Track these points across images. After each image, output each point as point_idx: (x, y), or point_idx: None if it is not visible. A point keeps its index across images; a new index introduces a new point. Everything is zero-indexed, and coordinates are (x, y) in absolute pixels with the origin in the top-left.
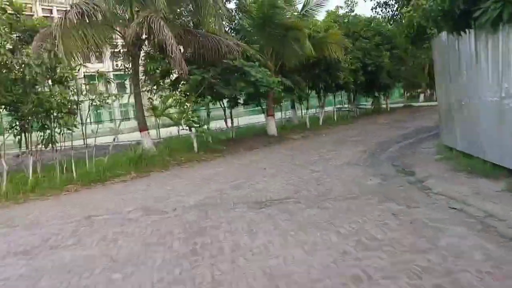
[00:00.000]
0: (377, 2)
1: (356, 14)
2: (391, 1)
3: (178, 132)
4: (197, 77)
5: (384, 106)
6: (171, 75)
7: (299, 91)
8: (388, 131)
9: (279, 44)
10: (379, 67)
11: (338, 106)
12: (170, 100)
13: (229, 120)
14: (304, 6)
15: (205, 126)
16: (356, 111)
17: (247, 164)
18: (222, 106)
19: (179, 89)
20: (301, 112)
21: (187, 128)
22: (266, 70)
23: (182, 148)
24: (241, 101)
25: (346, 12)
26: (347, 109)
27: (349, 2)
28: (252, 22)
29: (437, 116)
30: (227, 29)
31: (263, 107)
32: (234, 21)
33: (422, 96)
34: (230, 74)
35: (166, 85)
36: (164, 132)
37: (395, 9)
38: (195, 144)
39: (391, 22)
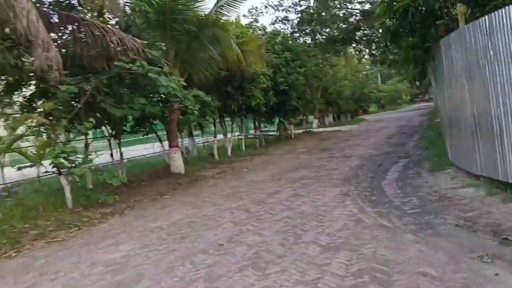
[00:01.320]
0: (276, 16)
1: (262, 25)
2: (293, 15)
3: (38, 175)
4: (72, 89)
5: (288, 132)
6: (26, 86)
7: (211, 113)
8: (331, 163)
9: (186, 47)
10: (291, 86)
11: (244, 133)
12: (23, 127)
13: (116, 153)
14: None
15: (85, 165)
16: (263, 139)
17: (172, 232)
18: (107, 133)
19: (39, 109)
20: (203, 140)
21: (55, 169)
22: (178, 79)
23: (47, 204)
24: (127, 127)
25: (251, 22)
26: (255, 136)
27: (254, 11)
28: (151, 16)
29: (362, 141)
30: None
31: (157, 133)
32: (124, 15)
33: (316, 121)
34: (123, 85)
35: (17, 102)
36: (13, 175)
37: (295, 24)
38: (68, 195)
39: (291, 39)
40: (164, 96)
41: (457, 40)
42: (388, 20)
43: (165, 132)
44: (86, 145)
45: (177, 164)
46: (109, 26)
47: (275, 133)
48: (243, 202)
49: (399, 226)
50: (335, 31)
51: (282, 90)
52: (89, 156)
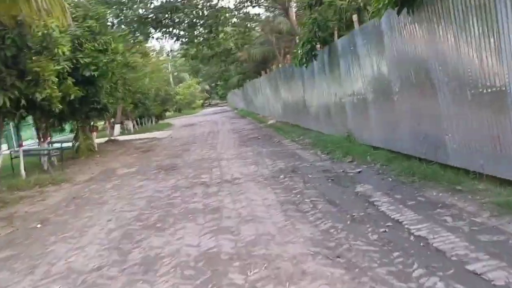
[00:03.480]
0: None
1: None
2: None
3: None
4: None
5: (91, 142)
6: None
7: None
8: (235, 202)
9: None
10: (103, 72)
11: (26, 146)
12: None
13: None
14: None
15: None
16: (56, 156)
17: None
18: None
19: None
20: None
21: None
22: None
23: None
24: None
25: None
26: (43, 151)
27: None
28: None
29: (214, 153)
30: None
31: None
32: None
33: (118, 127)
34: None
35: None
36: None
37: None
38: None
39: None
40: None
41: None
42: None
43: None
44: None
45: None
46: None
47: (71, 144)
48: None
49: None
50: (146, 7)
51: (87, 78)
52: None
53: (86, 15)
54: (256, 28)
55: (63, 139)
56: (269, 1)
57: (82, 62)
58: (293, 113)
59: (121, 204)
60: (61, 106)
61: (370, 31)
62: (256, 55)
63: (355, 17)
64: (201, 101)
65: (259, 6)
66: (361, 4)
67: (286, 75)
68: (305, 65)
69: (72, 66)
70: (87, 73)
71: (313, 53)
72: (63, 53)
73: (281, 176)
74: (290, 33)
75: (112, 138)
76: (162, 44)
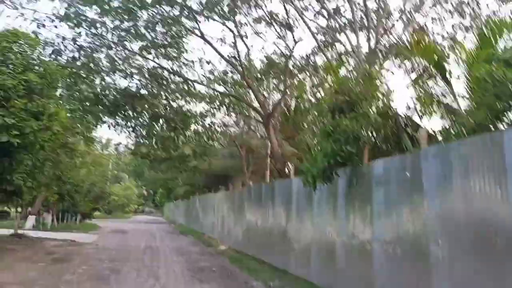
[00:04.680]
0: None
1: None
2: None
3: None
4: None
5: None
6: None
7: None
8: None
9: None
10: (29, 143)
11: None
12: None
13: None
14: None
15: None
16: None
17: None
18: None
19: None
20: None
21: None
22: None
23: None
24: None
25: None
26: None
27: None
28: None
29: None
30: None
31: None
32: None
33: (33, 219)
34: None
35: None
36: None
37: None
38: None
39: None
40: None
41: None
42: None
43: None
44: None
45: None
46: None
47: None
48: None
49: None
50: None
51: (2, 145)
52: None
53: (28, 67)
54: (220, 139)
55: None
56: (244, 110)
57: (0, 121)
58: (260, 244)
59: None
60: None
61: (464, 149)
62: (218, 167)
63: (423, 132)
64: (136, 206)
65: (234, 114)
66: (404, 123)
67: (259, 195)
68: (314, 186)
69: None
70: (4, 139)
71: (332, 172)
72: None
73: None
74: (261, 149)
75: (20, 232)
76: (110, 138)
